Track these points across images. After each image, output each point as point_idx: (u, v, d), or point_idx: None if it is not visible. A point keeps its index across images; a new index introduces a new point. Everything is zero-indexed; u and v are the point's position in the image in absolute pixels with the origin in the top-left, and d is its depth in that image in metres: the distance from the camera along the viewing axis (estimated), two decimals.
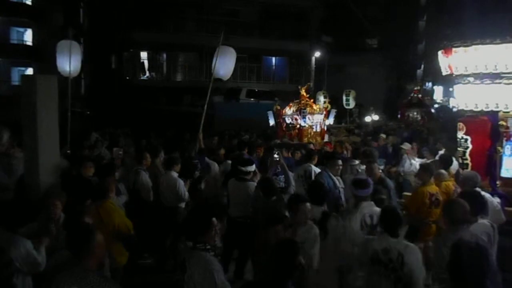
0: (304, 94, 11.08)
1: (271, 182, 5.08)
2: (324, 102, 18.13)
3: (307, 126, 10.53)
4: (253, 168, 5.42)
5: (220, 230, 3.14)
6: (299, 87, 11.50)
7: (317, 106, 11.18)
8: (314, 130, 10.74)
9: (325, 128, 11.15)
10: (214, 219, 3.02)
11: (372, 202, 4.29)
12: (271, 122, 11.64)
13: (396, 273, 3.26)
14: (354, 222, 4.05)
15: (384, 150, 9.25)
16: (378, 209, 4.09)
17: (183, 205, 6.13)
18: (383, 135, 11.13)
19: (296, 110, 10.66)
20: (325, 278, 3.72)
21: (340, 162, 5.90)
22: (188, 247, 2.98)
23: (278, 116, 11.13)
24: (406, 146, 8.57)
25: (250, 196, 5.20)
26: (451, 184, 5.60)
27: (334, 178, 5.67)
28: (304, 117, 10.48)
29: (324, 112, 11.03)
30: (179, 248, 6.10)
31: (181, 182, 5.95)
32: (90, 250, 2.71)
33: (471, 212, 3.62)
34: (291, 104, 11.16)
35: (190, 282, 2.91)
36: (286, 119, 10.89)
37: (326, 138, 10.86)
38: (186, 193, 6.00)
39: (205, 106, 7.93)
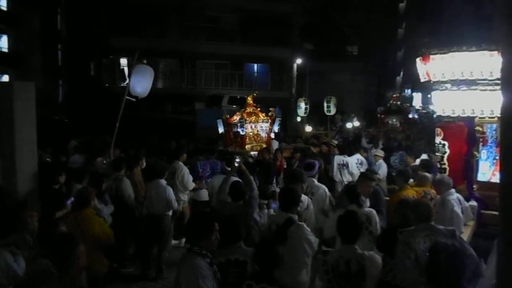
0: (251, 102, 11.21)
1: (240, 187, 5.07)
2: (305, 109, 18.33)
3: (246, 134, 10.73)
4: None
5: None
6: (245, 96, 11.66)
7: (263, 115, 11.30)
8: (261, 137, 10.99)
9: (272, 136, 11.37)
10: (216, 224, 3.06)
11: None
12: (220, 129, 11.78)
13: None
14: None
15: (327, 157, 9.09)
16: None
17: (170, 213, 6.12)
18: (335, 141, 11.33)
19: (240, 119, 10.80)
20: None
21: (372, 183, 5.37)
22: (186, 250, 3.03)
23: (227, 124, 11.25)
24: (380, 153, 8.71)
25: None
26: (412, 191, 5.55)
27: None
28: (242, 126, 10.62)
29: (270, 120, 11.18)
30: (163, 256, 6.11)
31: (170, 190, 5.95)
32: (73, 261, 2.67)
33: None
34: (238, 112, 11.28)
35: (177, 285, 2.93)
36: (233, 127, 11.02)
37: (276, 145, 11.02)
38: (175, 201, 6.05)
39: (118, 119, 7.59)
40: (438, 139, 6.16)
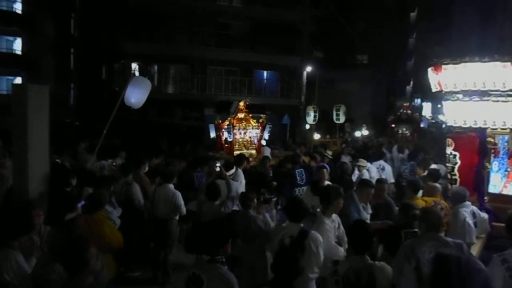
0: (243, 108, 11.15)
1: (216, 187, 5.39)
2: (315, 117, 18.28)
3: (236, 140, 10.68)
4: None
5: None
6: (237, 101, 11.59)
7: (254, 121, 11.22)
8: (252, 144, 10.95)
9: (262, 142, 11.28)
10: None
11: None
12: (212, 134, 11.72)
13: None
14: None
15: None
16: None
17: (177, 217, 6.14)
18: (329, 152, 11.27)
19: (228, 124, 10.75)
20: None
21: (372, 190, 5.31)
22: (203, 260, 2.99)
23: (219, 129, 11.19)
24: (363, 162, 8.70)
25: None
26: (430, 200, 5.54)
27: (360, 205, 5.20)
28: (229, 132, 10.57)
29: (260, 127, 11.10)
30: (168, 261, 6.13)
31: (179, 195, 5.99)
32: (84, 263, 2.67)
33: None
34: (229, 118, 11.22)
35: None
36: (225, 132, 10.99)
37: (267, 152, 10.93)
38: (184, 206, 6.07)
39: (106, 126, 7.32)
40: (449, 150, 6.12)
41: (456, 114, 5.94)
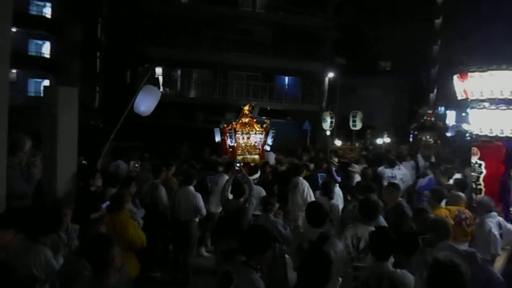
0: (247, 113, 10.99)
1: (241, 185, 5.68)
2: (331, 123, 18.16)
3: (239, 144, 10.54)
4: None
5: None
6: (242, 106, 11.39)
7: (258, 126, 11.00)
8: (256, 149, 10.77)
9: (266, 148, 11.08)
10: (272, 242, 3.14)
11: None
12: (217, 138, 11.69)
13: None
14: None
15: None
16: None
17: (197, 219, 6.21)
18: (335, 159, 11.14)
19: (230, 129, 10.61)
20: None
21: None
22: (239, 260, 3.02)
23: (223, 133, 11.05)
24: (355, 168, 8.62)
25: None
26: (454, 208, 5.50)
27: None
28: (231, 137, 10.47)
29: (263, 132, 10.93)
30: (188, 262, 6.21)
31: (199, 196, 6.07)
32: (109, 261, 2.75)
33: None
34: (232, 123, 11.07)
35: None
36: (228, 136, 10.82)
37: (272, 158, 10.81)
38: (204, 208, 6.13)
39: (114, 131, 7.35)
40: (474, 159, 6.01)
41: (482, 123, 5.84)
